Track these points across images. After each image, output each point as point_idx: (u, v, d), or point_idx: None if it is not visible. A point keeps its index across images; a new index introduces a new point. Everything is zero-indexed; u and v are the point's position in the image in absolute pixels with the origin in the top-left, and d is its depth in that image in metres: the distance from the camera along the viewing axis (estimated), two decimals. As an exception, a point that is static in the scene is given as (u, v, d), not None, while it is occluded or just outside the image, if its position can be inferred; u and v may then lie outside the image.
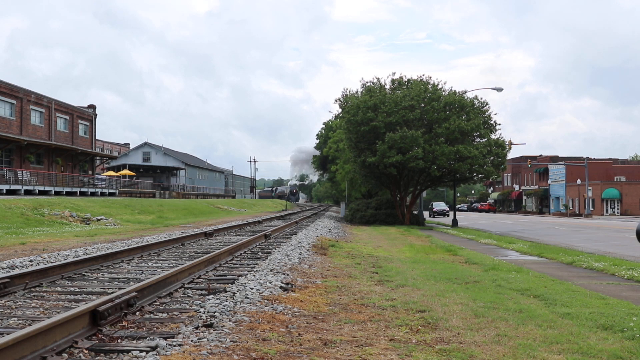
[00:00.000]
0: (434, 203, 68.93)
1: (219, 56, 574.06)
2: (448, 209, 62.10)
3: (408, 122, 33.39)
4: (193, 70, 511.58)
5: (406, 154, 32.38)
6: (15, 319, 5.71)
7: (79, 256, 11.09)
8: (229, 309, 6.14)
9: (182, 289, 7.61)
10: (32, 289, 7.50)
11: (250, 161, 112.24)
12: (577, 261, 13.19)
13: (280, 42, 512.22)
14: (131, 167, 68.03)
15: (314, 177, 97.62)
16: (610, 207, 69.92)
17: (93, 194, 46.26)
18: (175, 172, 79.25)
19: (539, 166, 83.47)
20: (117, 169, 67.28)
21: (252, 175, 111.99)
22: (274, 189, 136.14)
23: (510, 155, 41.66)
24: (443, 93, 34.92)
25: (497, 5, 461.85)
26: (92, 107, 54.88)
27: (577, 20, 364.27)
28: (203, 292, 7.40)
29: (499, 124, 38.23)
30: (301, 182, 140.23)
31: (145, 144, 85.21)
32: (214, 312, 5.91)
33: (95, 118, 54.86)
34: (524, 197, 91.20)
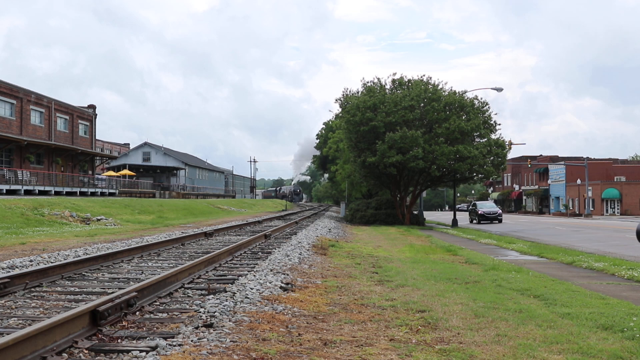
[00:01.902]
0: (478, 203, 45.84)
1: (218, 55, 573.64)
2: (500, 210, 43.15)
3: (408, 122, 33.41)
4: (192, 69, 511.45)
5: (406, 154, 32.40)
6: (15, 319, 5.71)
7: (79, 256, 11.09)
8: (229, 309, 6.14)
9: (182, 289, 7.61)
10: (32, 289, 7.50)
11: (250, 161, 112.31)
12: (577, 261, 13.19)
13: (281, 41, 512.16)
14: (131, 167, 68.03)
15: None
16: (610, 207, 69.94)
17: (93, 194, 46.27)
18: (175, 172, 79.26)
19: (539, 166, 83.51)
20: (117, 169, 67.28)
21: (252, 175, 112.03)
22: (277, 189, 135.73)
23: (510, 155, 41.70)
24: (443, 93, 34.94)
25: (498, 4, 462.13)
26: (92, 107, 54.91)
27: (578, 18, 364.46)
28: (203, 292, 7.40)
29: (499, 124, 38.30)
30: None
31: (145, 144, 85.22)
32: (214, 312, 5.91)
33: (95, 118, 54.88)
34: (524, 197, 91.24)
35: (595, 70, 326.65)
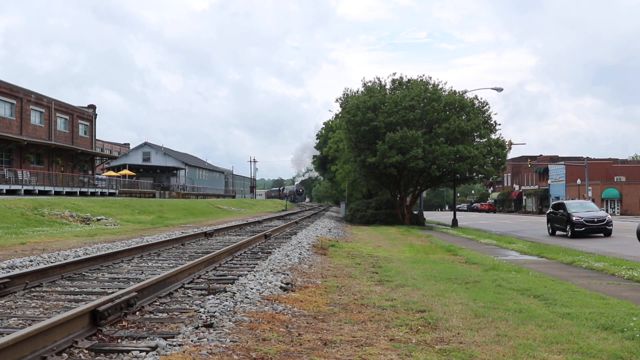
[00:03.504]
0: (568, 203, 26.87)
1: (217, 53, 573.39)
2: (609, 216, 25.50)
3: (408, 122, 33.41)
4: (192, 68, 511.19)
5: (406, 154, 32.40)
6: (15, 319, 5.71)
7: (79, 256, 11.09)
8: (229, 309, 6.14)
9: (182, 289, 7.61)
10: (32, 289, 7.50)
11: (250, 161, 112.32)
12: (577, 261, 13.19)
13: (281, 39, 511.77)
14: (131, 167, 68.03)
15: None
16: (610, 207, 69.94)
17: (93, 194, 46.27)
18: (175, 172, 79.25)
19: (539, 166, 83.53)
20: (117, 169, 67.28)
21: (252, 175, 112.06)
22: (280, 188, 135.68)
23: (510, 155, 41.71)
24: (443, 93, 34.96)
25: (498, 3, 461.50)
26: (92, 107, 54.92)
27: (579, 17, 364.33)
28: (203, 292, 7.40)
29: (499, 124, 38.35)
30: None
31: (145, 143, 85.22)
32: (214, 312, 5.91)
33: (95, 118, 54.89)
34: (524, 197, 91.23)
35: (596, 69, 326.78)
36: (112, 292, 6.85)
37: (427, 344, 5.15)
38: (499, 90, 37.81)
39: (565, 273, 11.41)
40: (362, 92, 36.15)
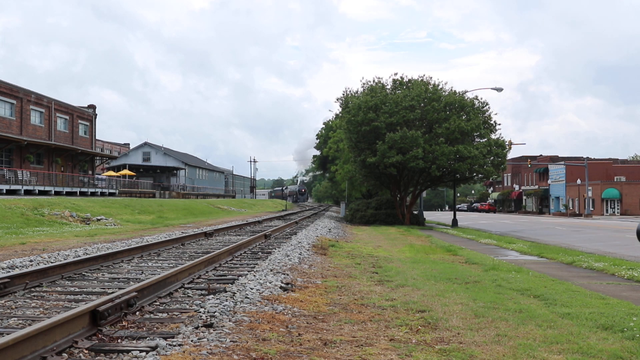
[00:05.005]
0: None
1: (217, 53, 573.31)
2: None
3: (408, 122, 33.41)
4: (191, 68, 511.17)
5: (406, 154, 32.39)
6: (15, 319, 5.71)
7: (79, 256, 11.09)
8: (229, 309, 6.14)
9: (182, 289, 7.61)
10: (32, 289, 7.50)
11: (250, 161, 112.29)
12: (577, 261, 13.19)
13: (282, 38, 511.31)
14: (131, 167, 68.03)
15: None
16: (610, 207, 69.93)
17: (93, 194, 46.26)
18: (175, 172, 79.25)
19: (539, 166, 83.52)
20: (117, 169, 67.28)
21: (252, 175, 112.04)
22: (283, 188, 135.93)
23: (510, 155, 41.68)
24: (443, 93, 34.95)
25: (499, 2, 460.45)
26: (92, 107, 54.94)
27: (580, 16, 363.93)
28: (203, 292, 7.40)
29: (499, 124, 38.35)
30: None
31: (145, 143, 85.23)
32: (214, 312, 5.91)
33: (95, 118, 54.90)
34: (524, 197, 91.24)
35: (597, 69, 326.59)
36: (112, 292, 6.85)
37: (427, 344, 5.15)
38: (499, 90, 37.80)
39: (565, 273, 11.40)
40: (362, 92, 36.14)
